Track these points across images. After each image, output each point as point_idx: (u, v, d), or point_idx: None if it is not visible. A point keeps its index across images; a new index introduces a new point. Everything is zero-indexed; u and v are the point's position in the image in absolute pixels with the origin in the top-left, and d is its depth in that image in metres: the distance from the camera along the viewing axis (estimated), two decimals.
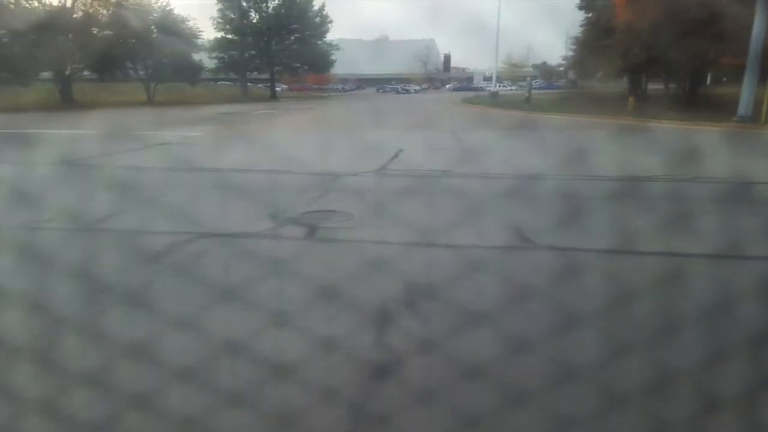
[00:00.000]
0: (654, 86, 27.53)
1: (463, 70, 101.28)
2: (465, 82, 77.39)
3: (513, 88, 50.28)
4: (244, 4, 35.13)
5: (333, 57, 38.06)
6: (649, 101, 23.20)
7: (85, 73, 29.78)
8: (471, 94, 42.66)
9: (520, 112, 22.57)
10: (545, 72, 65.96)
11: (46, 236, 4.41)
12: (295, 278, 3.47)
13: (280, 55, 35.73)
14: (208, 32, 34.36)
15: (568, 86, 38.98)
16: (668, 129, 14.99)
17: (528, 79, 28.14)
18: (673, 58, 17.67)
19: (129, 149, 9.81)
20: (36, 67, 25.60)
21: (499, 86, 35.94)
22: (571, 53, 27.51)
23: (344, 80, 75.87)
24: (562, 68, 62.13)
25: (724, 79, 28.59)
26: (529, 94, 25.06)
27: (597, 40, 23.54)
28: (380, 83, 77.26)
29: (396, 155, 8.87)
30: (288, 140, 12.40)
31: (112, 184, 6.78)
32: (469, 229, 4.64)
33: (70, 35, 26.30)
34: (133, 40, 27.78)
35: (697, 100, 21.25)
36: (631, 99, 21.82)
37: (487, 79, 75.11)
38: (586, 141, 12.37)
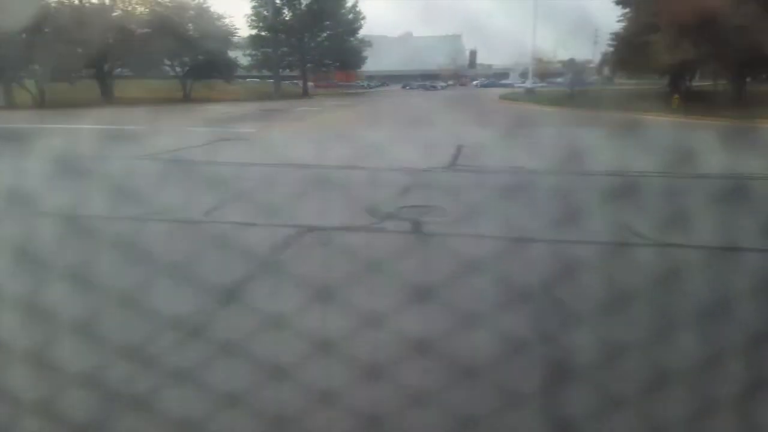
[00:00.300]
0: (695, 83, 27.06)
1: (489, 66, 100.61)
2: (492, 79, 76.85)
3: (543, 84, 49.89)
4: (278, 1, 35.53)
5: (365, 54, 38.27)
6: (694, 99, 22.82)
7: (119, 69, 30.47)
8: (502, 90, 42.38)
9: (568, 109, 22.18)
10: (573, 68, 64.93)
11: (161, 228, 4.61)
12: (420, 271, 3.59)
13: (312, 52, 36.06)
14: (242, 29, 35.04)
15: (604, 83, 38.49)
16: (728, 127, 14.76)
17: (569, 75, 27.89)
18: (724, 53, 17.37)
19: (195, 145, 10.07)
20: (81, 64, 26.29)
21: (532, 83, 35.69)
22: (610, 49, 27.19)
23: (370, 77, 76.04)
24: (591, 65, 61.39)
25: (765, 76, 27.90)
26: (572, 90, 24.88)
27: (639, 35, 23.20)
28: (405, 80, 77.17)
29: (459, 151, 8.95)
30: (345, 137, 12.53)
31: (200, 179, 7.00)
32: (570, 224, 4.71)
33: (111, 33, 26.95)
34: (171, 38, 28.28)
35: (745, 98, 20.86)
36: (675, 97, 21.51)
37: (521, 75, 74.53)
38: (664, 138, 12.26)
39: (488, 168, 7.53)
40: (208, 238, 4.38)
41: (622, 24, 27.11)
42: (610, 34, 26.14)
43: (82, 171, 7.44)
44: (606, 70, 35.85)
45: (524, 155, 8.68)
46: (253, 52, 35.89)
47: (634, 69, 27.03)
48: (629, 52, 24.86)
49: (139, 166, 7.86)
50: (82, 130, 14.17)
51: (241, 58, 34.73)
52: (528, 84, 32.73)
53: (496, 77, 78.31)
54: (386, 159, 8.32)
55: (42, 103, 26.17)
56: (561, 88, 40.62)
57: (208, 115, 19.55)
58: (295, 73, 38.40)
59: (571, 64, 30.70)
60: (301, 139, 12.23)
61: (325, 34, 35.88)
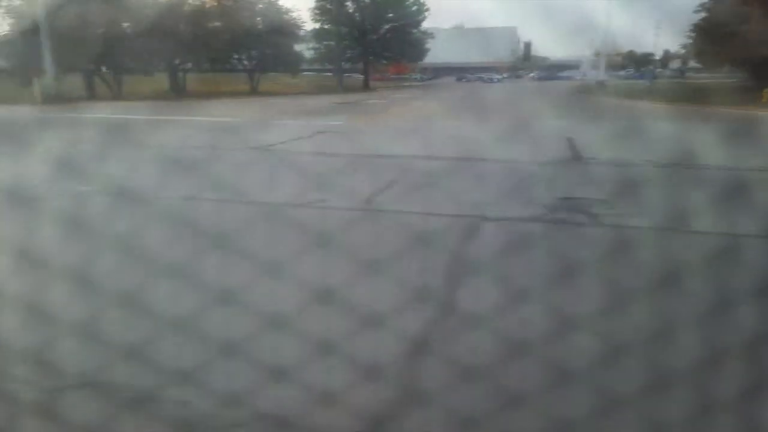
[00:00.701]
0: None
1: (544, 59, 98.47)
2: (550, 71, 75.19)
3: (606, 77, 48.51)
4: None
5: (427, 45, 38.21)
6: None
7: (189, 63, 31.45)
8: (564, 84, 41.46)
9: (655, 102, 21.28)
10: (634, 61, 63.18)
11: (334, 215, 4.75)
12: (637, 268, 3.59)
13: (374, 44, 36.24)
14: (306, 23, 35.71)
15: (674, 76, 37.14)
16: None
17: (650, 67, 26.96)
18: None
19: (298, 137, 10.30)
20: (156, 58, 27.30)
21: (602, 75, 34.76)
22: (687, 41, 26.16)
23: (423, 69, 75.67)
24: (655, 57, 59.37)
25: None
26: (651, 83, 24.13)
27: (722, 27, 22.24)
28: (456, 72, 76.37)
29: (572, 143, 8.84)
30: (440, 129, 12.54)
31: (333, 169, 7.18)
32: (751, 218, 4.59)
33: (185, 27, 27.85)
34: (241, 32, 28.98)
35: None
36: (765, 90, 20.49)
37: (572, 67, 72.72)
38: None
39: (622, 161, 7.40)
40: (394, 227, 4.46)
41: (701, 15, 26.08)
42: (691, 25, 25.19)
43: (226, 161, 7.74)
44: (679, 62, 34.67)
45: (646, 149, 8.49)
46: (316, 46, 36.38)
47: (715, 61, 25.93)
48: (710, 43, 23.89)
49: (266, 156, 8.11)
50: (180, 122, 14.73)
51: (304, 51, 35.25)
52: (600, 76, 31.93)
53: (551, 70, 76.58)
54: (500, 151, 8.28)
55: (119, 94, 27.35)
56: (628, 80, 39.46)
57: (284, 108, 19.93)
58: (348, 66, 38.50)
59: (630, 56, 29.62)
60: (397, 131, 12.32)
61: (387, 27, 36.00)
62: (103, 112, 17.65)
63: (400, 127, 13.04)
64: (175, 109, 19.17)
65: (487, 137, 10.31)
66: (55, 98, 23.34)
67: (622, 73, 50.73)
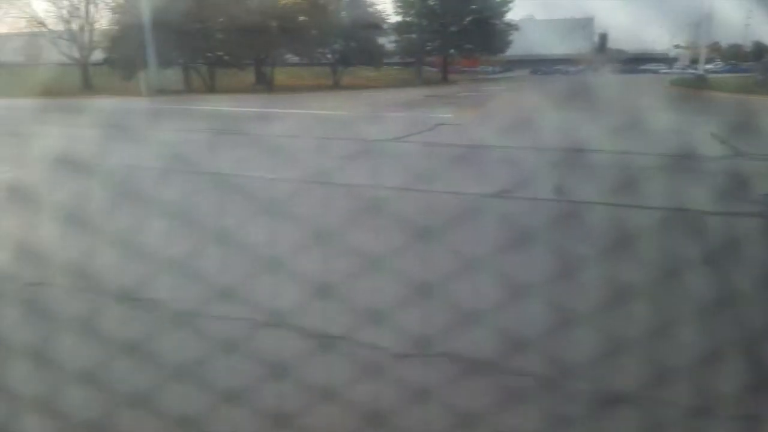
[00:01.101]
0: None
1: (620, 51, 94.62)
2: (630, 64, 72.16)
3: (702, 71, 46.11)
4: None
5: (511, 38, 37.68)
6: None
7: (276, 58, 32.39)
8: (650, 77, 39.72)
9: None
10: (725, 52, 59.53)
11: (538, 206, 4.88)
12: None
13: (455, 36, 36.06)
14: (389, 16, 36.09)
15: None
16: None
17: (765, 60, 25.54)
18: None
19: (418, 130, 10.43)
20: (249, 52, 28.36)
21: (696, 69, 33.12)
22: None
23: (494, 62, 74.27)
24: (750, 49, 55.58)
25: None
26: (764, 77, 22.83)
27: None
28: (528, 65, 74.54)
29: (725, 140, 8.57)
30: (560, 121, 12.35)
31: (482, 161, 7.31)
32: None
33: (275, 22, 28.73)
34: (326, 26, 29.57)
35: None
36: None
37: (654, 60, 69.54)
38: None
39: None
40: (605, 218, 4.53)
41: None
42: None
43: (383, 153, 8.02)
44: None
45: None
46: (396, 39, 36.58)
47: None
48: None
49: (414, 149, 8.33)
50: (291, 114, 15.31)
51: (386, 44, 35.55)
52: (698, 70, 30.45)
53: (631, 62, 73.48)
54: (658, 144, 8.10)
55: (212, 88, 28.61)
56: (722, 74, 37.34)
57: (379, 101, 20.23)
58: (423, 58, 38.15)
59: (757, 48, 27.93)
60: (519, 123, 12.24)
61: (470, 18, 35.73)
62: (210, 104, 18.54)
63: (519, 119, 12.96)
64: (275, 102, 19.86)
65: (626, 130, 10.12)
66: (159, 91, 24.75)
67: (710, 66, 48.01)
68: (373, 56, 32.12)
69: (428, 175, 6.27)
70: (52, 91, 27.54)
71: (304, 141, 9.61)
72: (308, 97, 23.75)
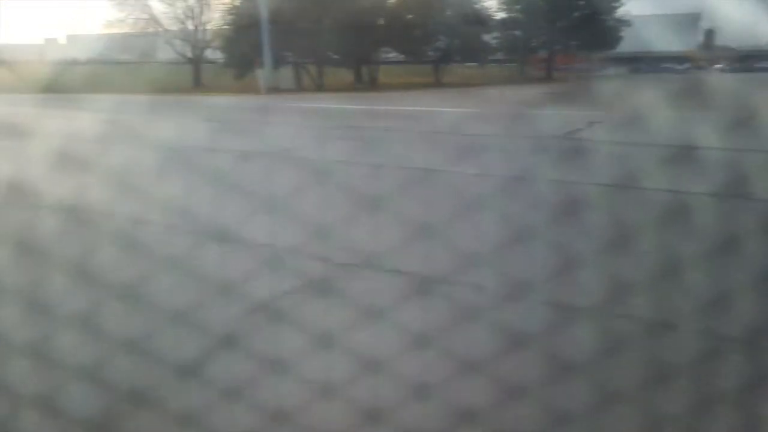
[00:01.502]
0: None
1: (728, 48, 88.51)
2: (746, 61, 67.16)
3: None
4: None
5: (621, 34, 36.21)
6: None
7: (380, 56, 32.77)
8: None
9: None
10: None
11: None
12: None
13: (562, 33, 35.07)
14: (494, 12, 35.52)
15: None
16: None
17: None
18: None
19: (575, 128, 10.13)
20: (358, 51, 28.91)
21: None
22: None
23: (589, 59, 71.29)
24: None
25: None
26: None
27: None
28: (628, 63, 70.89)
29: None
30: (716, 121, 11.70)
31: (684, 160, 7.00)
32: None
33: (383, 21, 29.16)
34: (432, 24, 29.62)
35: None
36: None
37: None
38: None
39: None
40: None
41: None
42: None
43: (557, 150, 7.92)
44: None
45: None
46: (498, 35, 36.06)
47: None
48: None
49: (583, 146, 8.14)
50: (421, 112, 15.43)
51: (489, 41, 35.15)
52: None
53: (747, 60, 68.25)
54: None
55: (321, 86, 29.42)
56: None
57: (498, 98, 20.01)
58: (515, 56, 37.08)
59: None
60: (675, 122, 11.68)
61: (578, 14, 34.66)
62: (330, 102, 19.01)
63: (674, 118, 12.35)
64: (393, 100, 20.07)
65: None
66: (272, 89, 25.77)
67: None
68: (477, 53, 31.83)
69: (635, 173, 6.09)
70: (167, 88, 29.35)
71: (469, 138, 9.63)
72: (419, 94, 23.87)
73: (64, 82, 29.56)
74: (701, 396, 2.04)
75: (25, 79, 34.40)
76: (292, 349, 2.39)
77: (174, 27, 34.71)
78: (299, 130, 11.56)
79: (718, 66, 69.79)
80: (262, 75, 25.85)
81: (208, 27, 34.43)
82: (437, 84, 31.32)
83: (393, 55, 32.18)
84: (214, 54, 33.99)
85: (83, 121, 14.01)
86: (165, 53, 36.29)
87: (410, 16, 29.18)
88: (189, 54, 35.05)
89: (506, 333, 2.43)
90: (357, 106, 17.43)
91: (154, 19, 34.80)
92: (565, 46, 36.82)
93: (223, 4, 32.29)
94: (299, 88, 28.60)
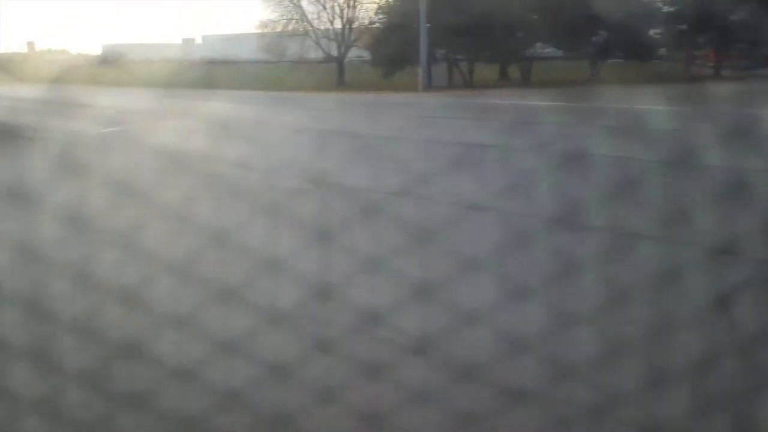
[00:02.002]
0: None
1: None
2: None
3: None
4: None
5: None
6: None
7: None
8: None
9: None
10: None
11: None
12: None
13: (730, 29, 31.94)
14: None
15: None
16: None
17: None
18: None
19: None
20: (512, 47, 28.19)
21: None
22: None
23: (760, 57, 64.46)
24: None
25: None
26: None
27: None
28: None
29: None
30: None
31: None
32: None
33: (539, 14, 28.13)
34: (592, 16, 28.08)
35: None
36: None
37: None
38: None
39: None
40: None
41: None
42: None
43: None
44: None
45: None
46: (661, 30, 33.60)
47: None
48: None
49: None
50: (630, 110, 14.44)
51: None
52: None
53: None
54: None
55: (470, 83, 28.99)
56: None
57: (689, 95, 18.40)
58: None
59: None
60: None
61: (751, 7, 31.32)
62: (497, 98, 18.51)
63: None
64: (570, 97, 19.17)
65: None
66: (428, 87, 25.73)
67: None
68: (641, 49, 29.79)
69: None
70: (313, 86, 30.34)
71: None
72: (593, 90, 22.64)
73: (211, 79, 31.59)
74: None
75: (179, 77, 37.22)
76: None
77: (321, 26, 35.84)
78: (519, 126, 11.17)
79: None
80: (421, 73, 25.85)
81: (354, 26, 35.18)
82: (592, 80, 29.60)
83: (549, 50, 30.97)
84: (355, 53, 34.77)
85: (276, 115, 14.65)
86: (301, 52, 37.58)
87: (569, 9, 27.89)
88: (333, 53, 36.03)
89: None
90: (539, 102, 16.78)
91: (303, 19, 36.16)
92: (732, 43, 33.47)
93: (374, 2, 32.85)
94: (451, 85, 28.36)
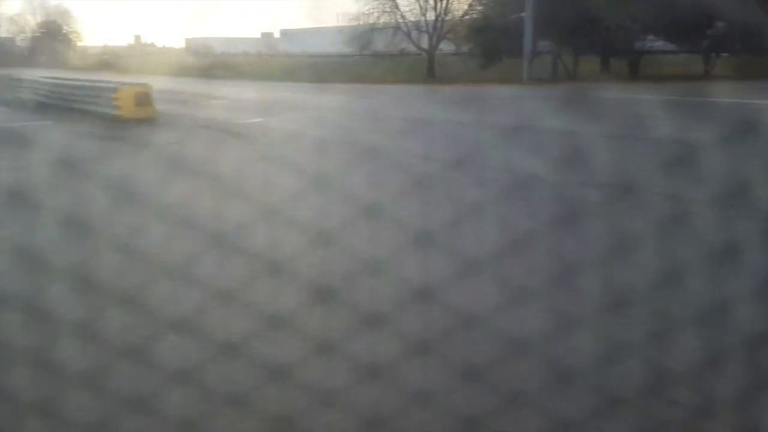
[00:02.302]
0: None
1: None
2: None
3: None
4: None
5: None
6: None
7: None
8: None
9: None
10: None
11: None
12: None
13: None
14: None
15: None
16: None
17: None
18: None
19: None
20: (619, 40, 27.17)
21: None
22: None
23: None
24: None
25: None
26: None
27: None
28: None
29: None
30: None
31: None
32: None
33: (650, 5, 26.89)
34: (710, 7, 26.62)
35: None
36: None
37: None
38: None
39: None
40: None
41: None
42: None
43: None
44: None
45: None
46: None
47: None
48: None
49: None
50: None
51: None
52: None
53: None
54: None
55: (574, 76, 28.11)
56: None
57: None
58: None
59: None
60: None
61: None
62: (620, 92, 17.76)
63: None
64: (694, 91, 18.22)
65: None
66: (531, 79, 25.21)
67: None
68: (760, 42, 27.93)
69: None
70: (404, 78, 30.26)
71: None
72: (715, 86, 21.48)
73: (303, 72, 32.07)
74: None
75: (272, 69, 38.06)
76: None
77: (413, 18, 35.77)
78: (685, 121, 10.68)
79: None
80: (527, 65, 25.34)
81: (447, 17, 34.89)
82: (706, 76, 28.04)
83: (659, 43, 29.62)
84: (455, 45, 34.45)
85: (406, 109, 14.66)
86: (388, 45, 37.58)
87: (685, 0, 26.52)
88: (424, 45, 35.89)
89: None
90: (672, 96, 16.04)
91: (396, 11, 36.22)
92: None
93: None
94: (554, 78, 27.64)
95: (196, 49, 58.01)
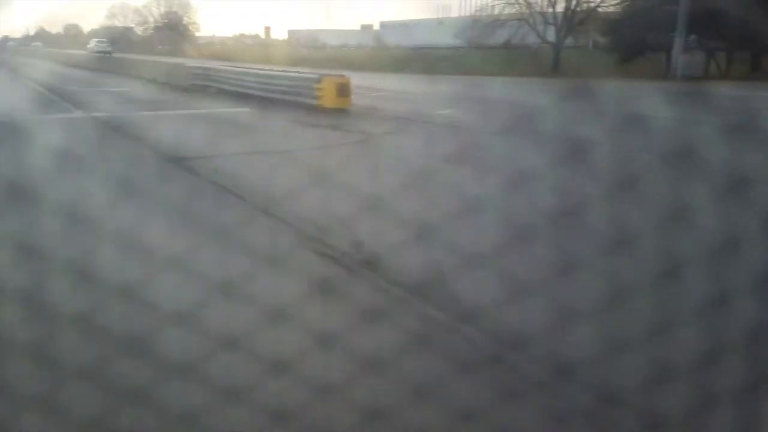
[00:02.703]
0: None
1: None
2: None
3: None
4: None
5: None
6: None
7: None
8: None
9: None
10: None
11: None
12: None
13: None
14: None
15: None
16: None
17: None
18: None
19: None
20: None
21: None
22: None
23: None
24: None
25: None
26: None
27: None
28: None
29: None
30: None
31: None
32: None
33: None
34: None
35: None
36: None
37: None
38: None
39: None
40: None
41: None
42: None
43: None
44: None
45: None
46: None
47: None
48: None
49: None
50: None
51: None
52: None
53: None
54: None
55: (727, 74, 26.46)
56: None
57: None
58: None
59: None
60: None
61: None
62: None
63: None
64: None
65: None
66: (685, 77, 23.91)
67: None
68: None
69: None
70: (528, 72, 29.52)
71: None
72: None
73: (422, 64, 31.96)
74: None
75: (387, 61, 38.36)
76: None
77: (542, 11, 35.00)
78: None
79: None
80: (680, 61, 24.11)
81: (579, 9, 33.84)
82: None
83: None
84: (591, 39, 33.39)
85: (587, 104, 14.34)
86: (510, 38, 36.86)
87: None
88: (551, 38, 35.01)
89: None
90: None
91: (523, 3, 35.60)
92: None
93: None
94: (706, 75, 26.14)
95: (305, 41, 59.80)
